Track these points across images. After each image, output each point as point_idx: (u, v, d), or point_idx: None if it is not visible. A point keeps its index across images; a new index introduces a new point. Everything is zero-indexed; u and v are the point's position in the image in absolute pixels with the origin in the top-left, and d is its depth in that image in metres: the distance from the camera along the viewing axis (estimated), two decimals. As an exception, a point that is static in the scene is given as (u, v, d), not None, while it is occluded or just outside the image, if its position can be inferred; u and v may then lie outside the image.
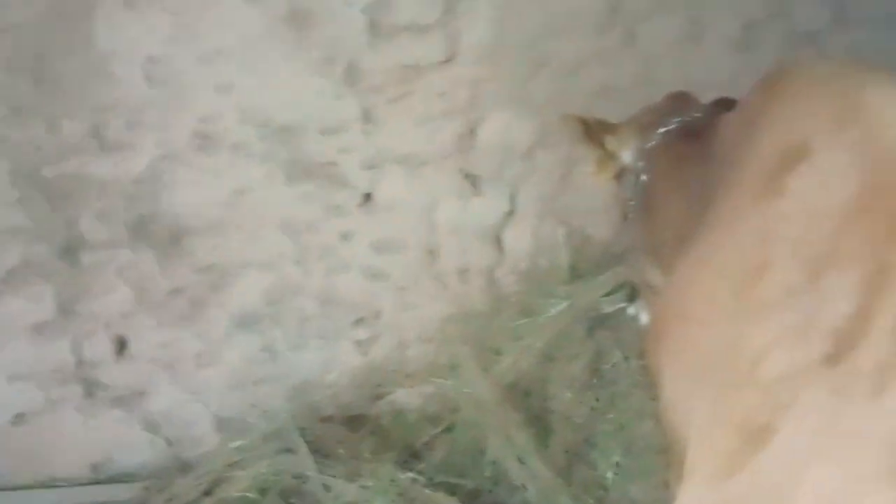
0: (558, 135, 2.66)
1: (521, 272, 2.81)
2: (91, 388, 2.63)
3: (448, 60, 2.45)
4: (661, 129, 1.77)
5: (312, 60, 2.36)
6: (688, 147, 1.66)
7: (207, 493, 2.53)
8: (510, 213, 2.74)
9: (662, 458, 2.37)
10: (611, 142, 1.87)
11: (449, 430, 2.66)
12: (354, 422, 2.68)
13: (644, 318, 2.36)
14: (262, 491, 2.50)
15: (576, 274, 2.80)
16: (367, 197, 2.60)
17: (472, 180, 2.66)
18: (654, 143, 1.78)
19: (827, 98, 1.07)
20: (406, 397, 2.77)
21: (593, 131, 1.87)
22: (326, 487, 2.45)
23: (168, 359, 2.66)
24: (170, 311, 2.59)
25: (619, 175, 1.91)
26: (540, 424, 2.55)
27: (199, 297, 2.60)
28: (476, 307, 2.78)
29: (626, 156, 1.87)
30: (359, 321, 2.77)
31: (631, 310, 2.42)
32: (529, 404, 2.58)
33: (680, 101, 1.90)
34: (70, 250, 2.46)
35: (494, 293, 2.80)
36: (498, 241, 2.77)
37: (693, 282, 1.17)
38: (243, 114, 2.37)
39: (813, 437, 0.80)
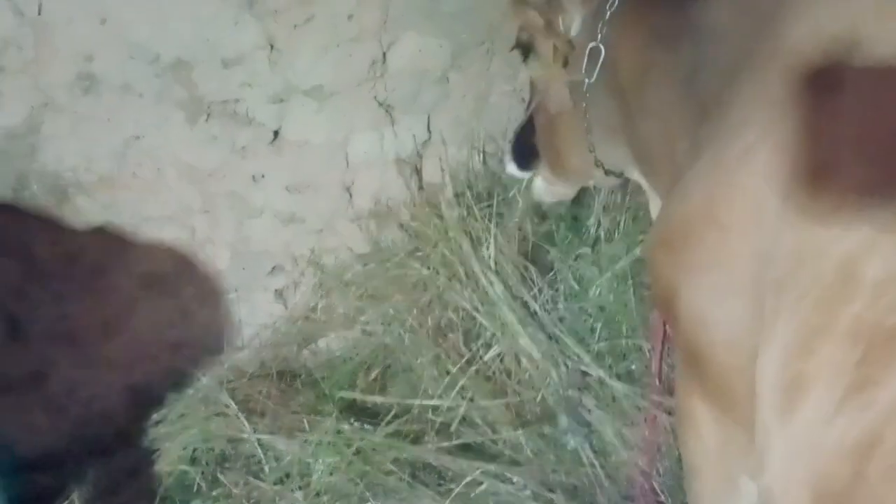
0: (471, 55, 2.55)
1: (439, 203, 2.68)
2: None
3: (353, -22, 2.26)
4: None
5: (204, -17, 2.10)
6: (661, 17, 1.49)
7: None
8: (426, 142, 2.61)
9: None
10: (561, 19, 1.71)
11: (384, 374, 2.55)
12: (284, 376, 2.52)
13: (540, 186, 2.30)
14: (195, 461, 2.31)
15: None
16: (276, 134, 2.39)
17: (387, 109, 2.50)
18: (614, 9, 1.61)
19: None
20: (334, 345, 2.63)
21: (536, 18, 1.72)
22: (265, 447, 2.30)
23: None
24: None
25: (570, 54, 1.76)
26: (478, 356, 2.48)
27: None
28: (397, 244, 2.65)
29: (576, 28, 1.71)
30: (276, 269, 2.59)
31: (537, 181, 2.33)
32: (467, 339, 2.50)
33: None
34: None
35: (415, 227, 2.67)
36: (416, 173, 2.63)
37: (726, 187, 1.09)
38: (132, 48, 2.08)
39: None
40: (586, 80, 1.74)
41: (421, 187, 2.66)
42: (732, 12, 1.27)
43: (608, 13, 1.64)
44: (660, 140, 1.48)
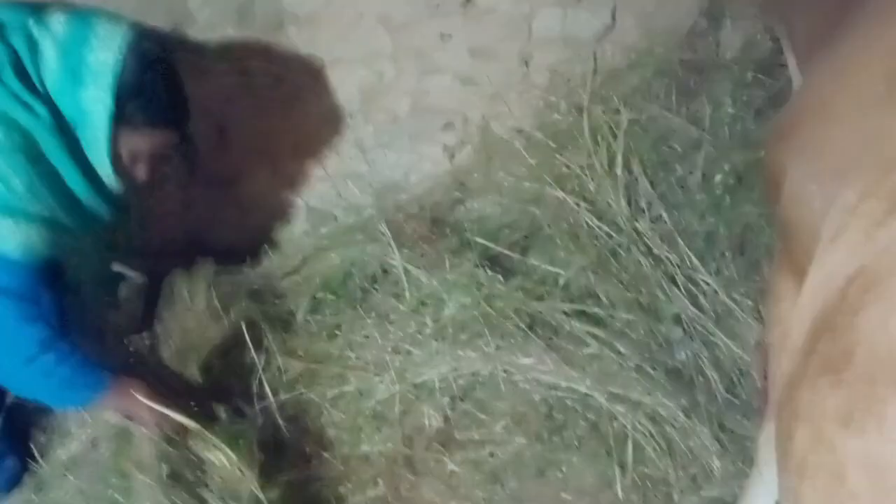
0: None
1: (612, 88, 2.79)
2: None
3: None
4: None
5: None
6: None
7: (296, 270, 2.71)
8: (609, 28, 2.71)
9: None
10: None
11: (525, 238, 2.75)
12: (436, 223, 2.78)
13: None
14: (349, 273, 2.65)
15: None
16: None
17: (574, -10, 2.62)
18: None
19: None
20: (486, 206, 2.84)
21: None
22: (409, 276, 2.59)
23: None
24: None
25: None
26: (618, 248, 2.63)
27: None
28: (563, 121, 2.80)
29: None
30: (447, 125, 2.83)
31: None
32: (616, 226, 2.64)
33: None
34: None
35: (582, 107, 2.80)
36: (593, 55, 2.75)
37: (837, 79, 1.17)
38: None
39: None
40: None
41: (595, 71, 2.77)
42: None
43: None
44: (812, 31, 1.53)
